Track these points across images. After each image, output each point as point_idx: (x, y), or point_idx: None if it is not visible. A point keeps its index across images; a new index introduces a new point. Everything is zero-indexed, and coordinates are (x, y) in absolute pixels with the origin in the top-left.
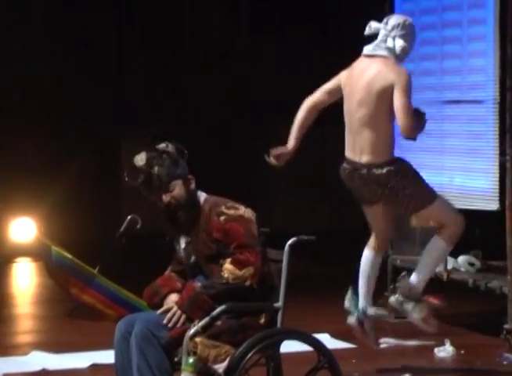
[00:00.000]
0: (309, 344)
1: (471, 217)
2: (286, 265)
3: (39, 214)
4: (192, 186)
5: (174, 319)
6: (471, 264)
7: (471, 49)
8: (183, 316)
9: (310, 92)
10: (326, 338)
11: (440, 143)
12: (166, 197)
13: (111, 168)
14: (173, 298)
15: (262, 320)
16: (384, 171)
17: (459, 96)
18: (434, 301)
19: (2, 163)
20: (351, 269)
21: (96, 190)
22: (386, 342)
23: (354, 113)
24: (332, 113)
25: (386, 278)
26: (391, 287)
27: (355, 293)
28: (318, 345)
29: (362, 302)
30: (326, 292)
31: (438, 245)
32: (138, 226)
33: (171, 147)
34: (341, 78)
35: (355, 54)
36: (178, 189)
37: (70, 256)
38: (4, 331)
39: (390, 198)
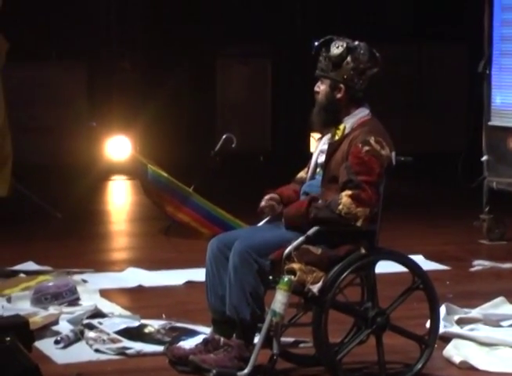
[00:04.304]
0: (404, 265)
1: None
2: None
3: (135, 132)
4: (338, 95)
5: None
6: None
7: None
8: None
9: None
10: (420, 260)
11: None
12: (316, 87)
13: (206, 86)
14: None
15: (362, 251)
16: None
17: None
18: None
19: (99, 81)
20: (446, 191)
21: (191, 109)
22: (480, 264)
23: None
24: None
25: (482, 200)
26: (487, 209)
27: None
28: (413, 266)
29: None
30: (421, 214)
31: None
32: (233, 145)
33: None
34: None
35: None
36: (324, 86)
37: (165, 174)
38: (100, 248)
39: None
